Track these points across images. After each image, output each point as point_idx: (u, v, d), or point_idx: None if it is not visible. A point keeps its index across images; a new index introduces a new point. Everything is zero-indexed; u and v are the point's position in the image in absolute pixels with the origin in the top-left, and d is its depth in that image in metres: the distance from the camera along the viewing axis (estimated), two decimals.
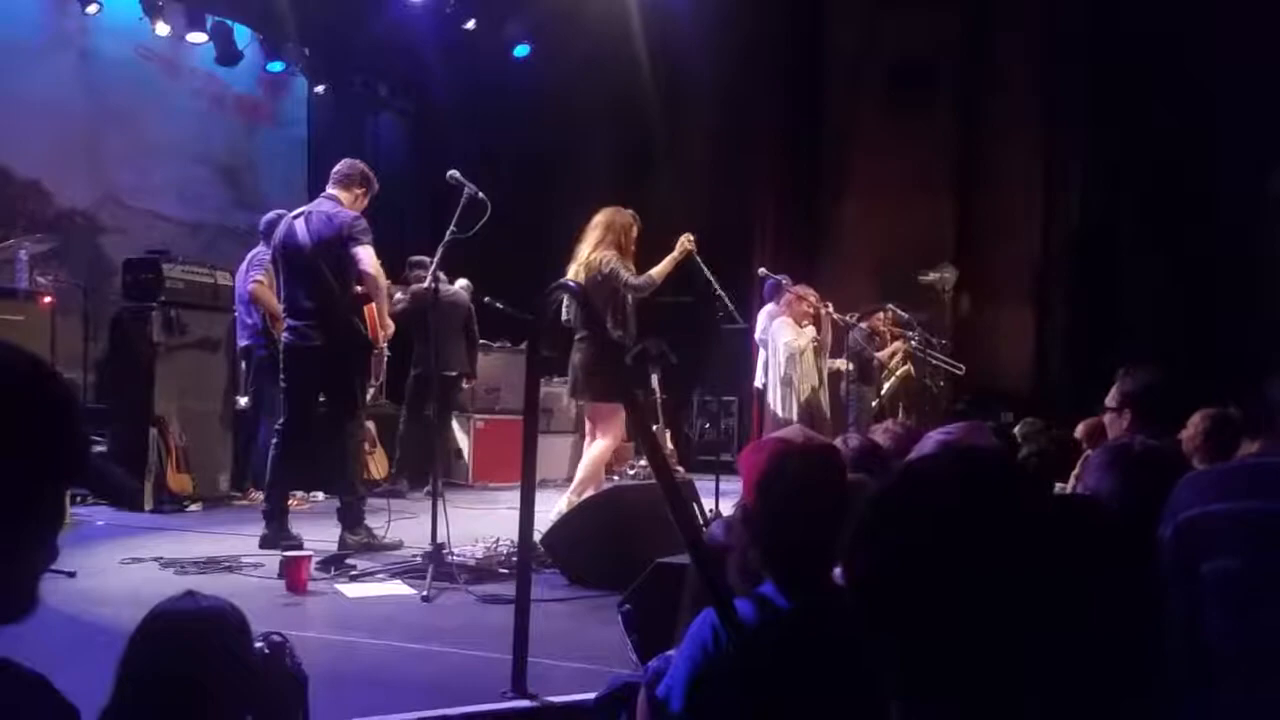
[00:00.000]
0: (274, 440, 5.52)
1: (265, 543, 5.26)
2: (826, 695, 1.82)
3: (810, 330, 7.39)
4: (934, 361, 8.77)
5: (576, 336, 5.81)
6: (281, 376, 5.57)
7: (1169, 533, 1.97)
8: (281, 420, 5.53)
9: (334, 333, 5.35)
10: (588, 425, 6.16)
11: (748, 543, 2.04)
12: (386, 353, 5.80)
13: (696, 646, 1.86)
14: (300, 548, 4.89)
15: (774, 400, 7.36)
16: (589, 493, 5.75)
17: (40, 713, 1.72)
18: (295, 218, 5.50)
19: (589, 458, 5.89)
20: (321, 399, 5.60)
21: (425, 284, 5.35)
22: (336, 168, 5.64)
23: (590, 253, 5.75)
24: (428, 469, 8.01)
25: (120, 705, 1.80)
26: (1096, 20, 9.98)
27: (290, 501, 5.70)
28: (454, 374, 8.18)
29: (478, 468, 8.97)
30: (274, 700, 1.90)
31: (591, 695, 2.82)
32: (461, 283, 8.31)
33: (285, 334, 5.54)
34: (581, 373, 5.73)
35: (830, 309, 7.53)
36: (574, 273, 5.73)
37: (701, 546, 2.17)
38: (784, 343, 7.27)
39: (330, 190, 5.54)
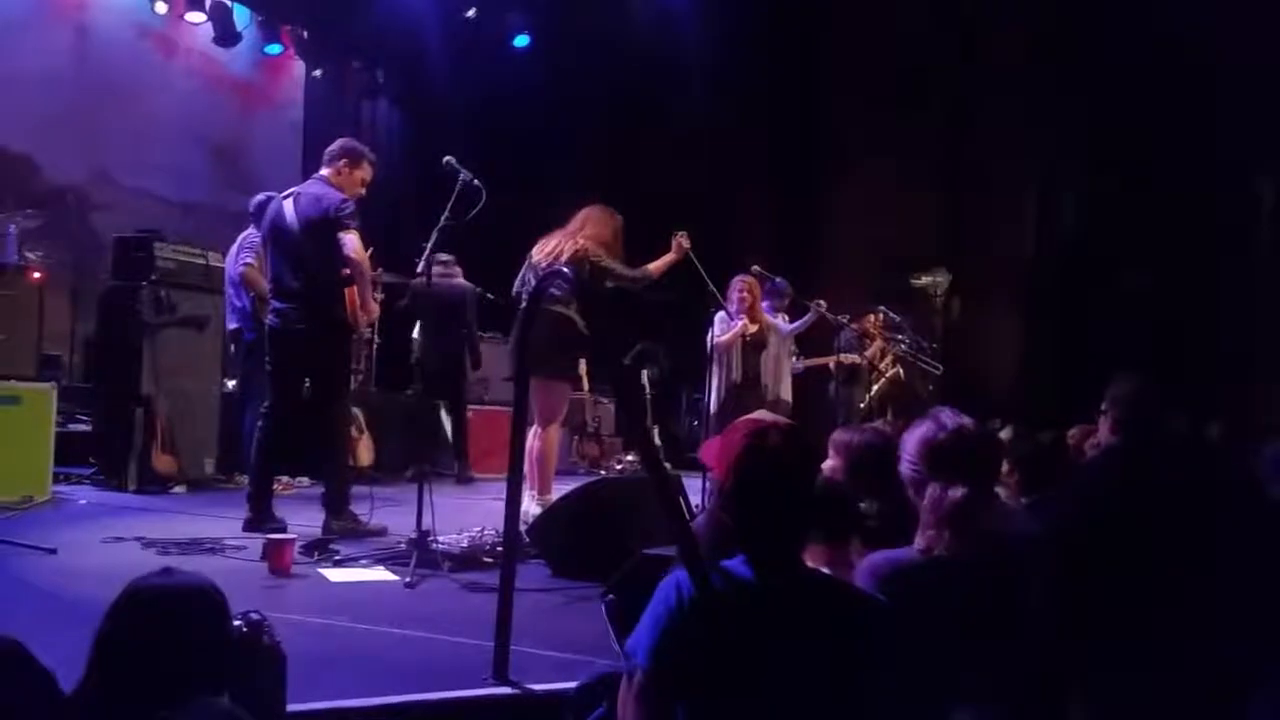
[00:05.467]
0: (258, 424, 5.48)
1: (249, 526, 5.23)
2: (784, 670, 1.85)
3: (738, 324, 7.17)
4: (910, 360, 8.79)
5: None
6: (266, 359, 5.54)
7: None
8: (266, 403, 5.51)
9: (317, 316, 5.29)
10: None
11: (721, 522, 2.05)
12: (376, 338, 5.74)
13: (660, 602, 1.91)
14: (284, 531, 4.87)
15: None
16: (551, 484, 5.74)
17: (16, 674, 1.71)
18: (285, 198, 5.45)
19: (537, 454, 5.73)
20: (307, 383, 5.56)
21: (418, 270, 5.28)
22: (329, 148, 5.59)
23: (583, 243, 5.69)
24: (451, 455, 8.39)
25: (95, 678, 1.79)
26: (1090, 22, 9.99)
27: (275, 485, 5.67)
28: (438, 364, 8.25)
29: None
30: (251, 677, 1.89)
31: (573, 684, 2.81)
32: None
33: (270, 316, 5.51)
34: (542, 347, 5.47)
35: (741, 295, 7.21)
36: (550, 252, 5.68)
37: (689, 538, 2.16)
38: (709, 338, 7.16)
39: (321, 171, 5.50)
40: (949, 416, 2.38)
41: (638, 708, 1.88)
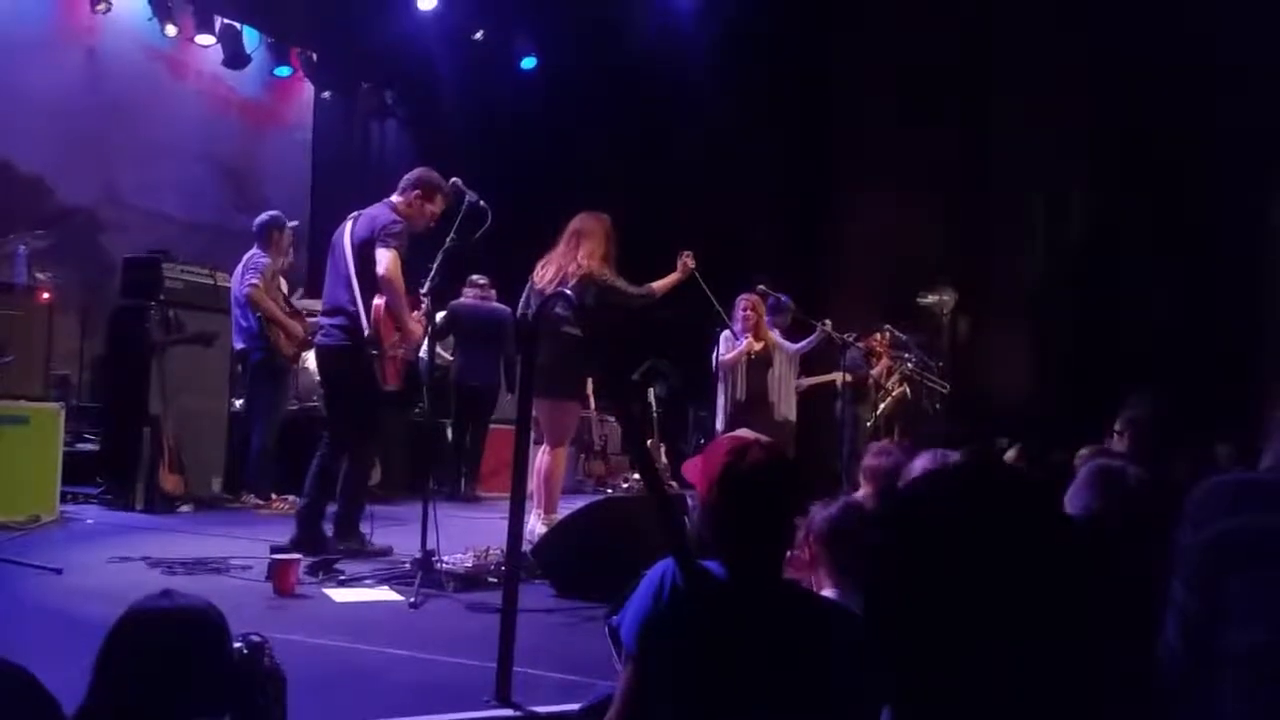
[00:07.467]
0: (323, 445, 5.42)
1: (295, 544, 5.13)
2: (752, 672, 1.88)
3: (743, 343, 7.22)
4: (917, 379, 8.80)
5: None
6: (320, 379, 5.56)
7: (1194, 539, 1.94)
8: (327, 430, 5.47)
9: (360, 335, 5.27)
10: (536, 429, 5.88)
11: (703, 533, 2.09)
12: (423, 357, 5.75)
13: (648, 586, 1.98)
14: (289, 551, 4.87)
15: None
16: (557, 504, 5.75)
17: (21, 702, 1.71)
18: (349, 219, 5.46)
19: (545, 473, 5.75)
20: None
21: (423, 291, 5.28)
22: (407, 174, 5.58)
23: (586, 264, 5.70)
24: (470, 474, 8.62)
25: (97, 702, 1.79)
26: (1099, 40, 10.00)
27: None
28: (475, 384, 8.47)
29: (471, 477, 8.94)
30: (252, 700, 1.89)
31: (575, 706, 2.80)
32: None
33: (319, 335, 5.55)
34: (545, 366, 5.32)
35: (747, 313, 7.28)
36: (552, 277, 5.69)
37: (682, 538, 2.18)
38: (715, 356, 7.20)
39: (392, 197, 5.47)
40: (942, 455, 2.43)
41: (622, 678, 2.00)
